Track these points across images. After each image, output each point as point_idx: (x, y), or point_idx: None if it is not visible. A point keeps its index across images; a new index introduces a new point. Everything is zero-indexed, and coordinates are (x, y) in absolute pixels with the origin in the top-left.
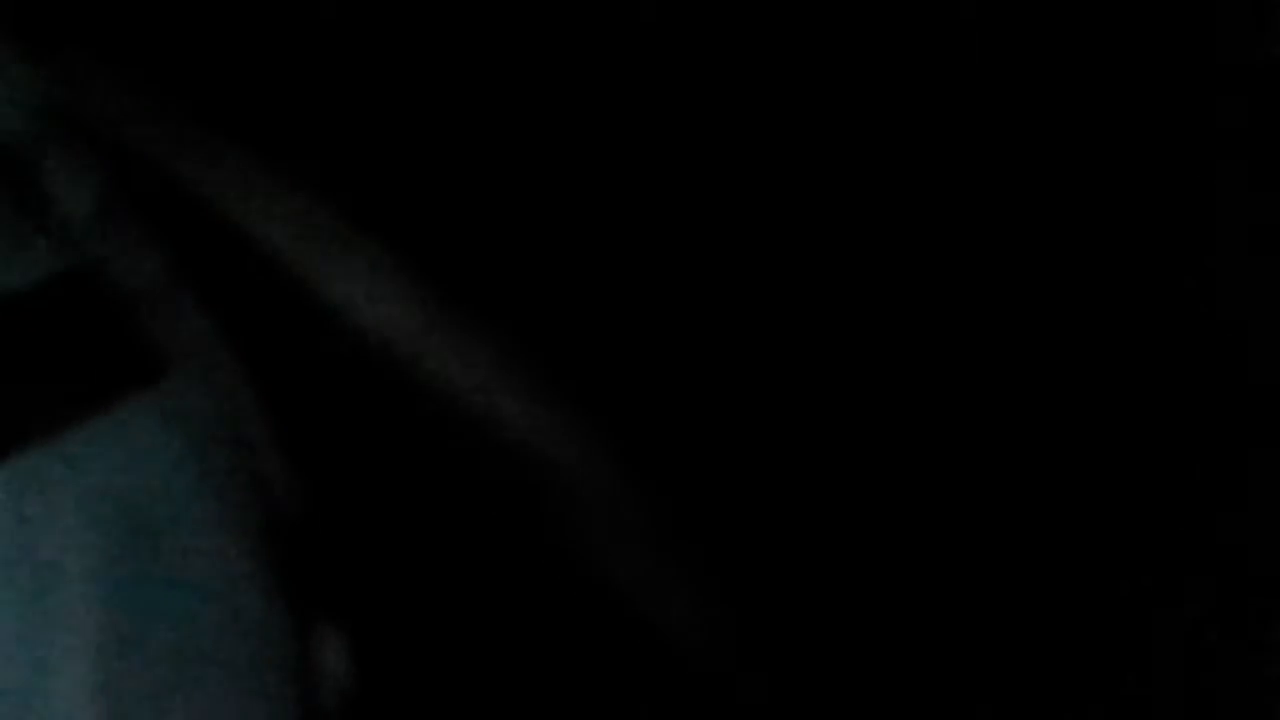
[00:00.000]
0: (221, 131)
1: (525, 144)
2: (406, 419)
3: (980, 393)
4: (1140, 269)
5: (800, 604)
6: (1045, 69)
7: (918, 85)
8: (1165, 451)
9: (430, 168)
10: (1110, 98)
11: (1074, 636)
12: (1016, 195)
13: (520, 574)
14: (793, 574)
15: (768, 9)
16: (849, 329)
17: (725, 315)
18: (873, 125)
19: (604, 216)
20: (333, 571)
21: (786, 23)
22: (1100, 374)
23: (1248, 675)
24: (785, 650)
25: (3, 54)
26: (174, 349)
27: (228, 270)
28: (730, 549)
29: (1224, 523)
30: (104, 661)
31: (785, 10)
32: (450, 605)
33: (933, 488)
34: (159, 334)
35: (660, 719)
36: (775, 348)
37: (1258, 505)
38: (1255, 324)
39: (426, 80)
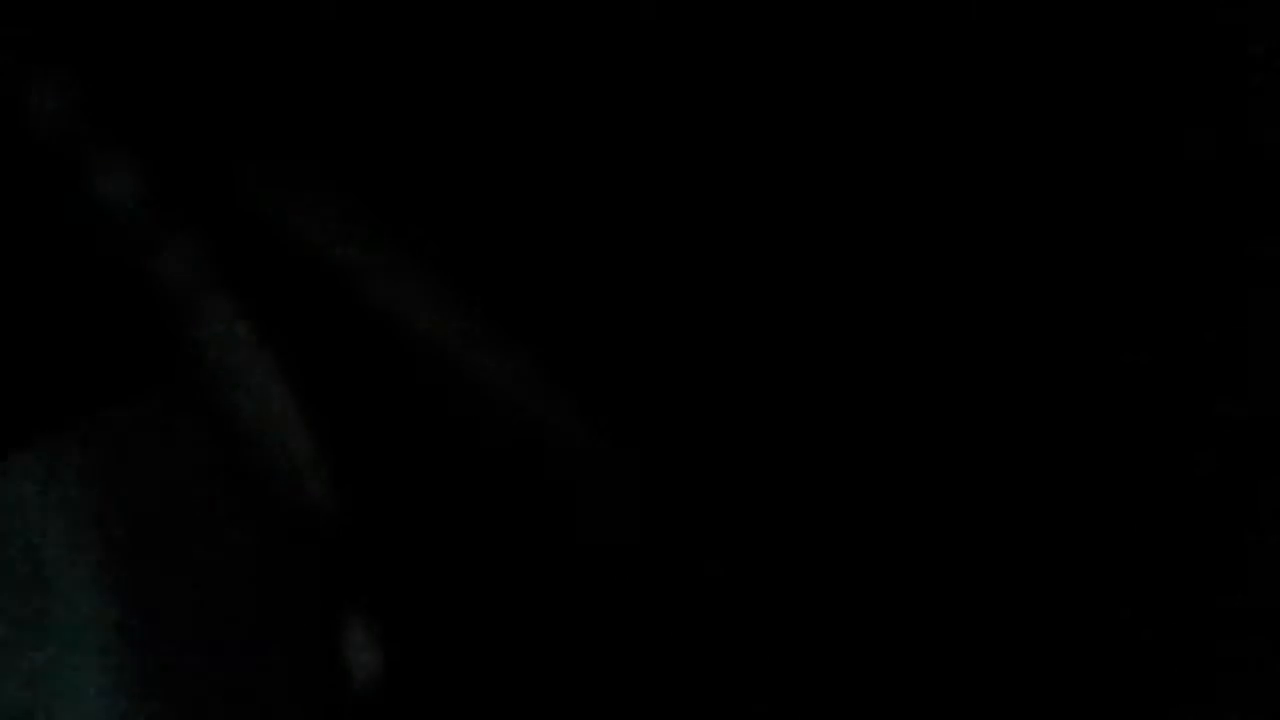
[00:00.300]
0: (257, 128)
1: (529, 142)
2: (439, 413)
3: (981, 392)
4: (1139, 269)
5: (804, 603)
6: (1045, 70)
7: (918, 85)
8: (1165, 451)
9: (440, 167)
10: (1109, 98)
11: (1073, 636)
12: (1016, 195)
13: (549, 567)
14: (796, 571)
15: (768, 9)
16: (849, 327)
17: (729, 314)
18: (873, 125)
19: (608, 215)
20: (365, 564)
21: (787, 23)
22: (1099, 374)
23: (1249, 676)
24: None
25: (46, 51)
26: (209, 343)
27: (267, 265)
28: (733, 548)
29: (1224, 526)
30: (117, 654)
31: (785, 10)
32: (481, 597)
33: (934, 486)
34: (193, 329)
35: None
36: (777, 347)
37: (1258, 505)
38: (1255, 323)
39: (430, 78)
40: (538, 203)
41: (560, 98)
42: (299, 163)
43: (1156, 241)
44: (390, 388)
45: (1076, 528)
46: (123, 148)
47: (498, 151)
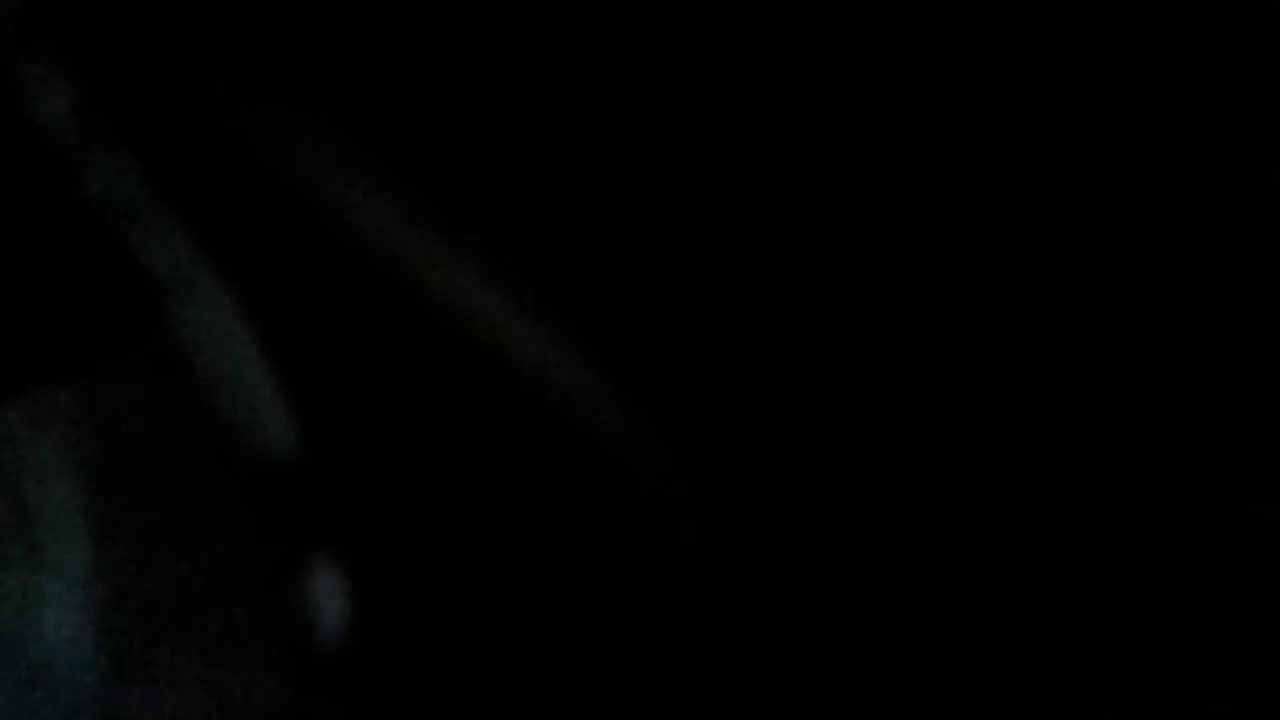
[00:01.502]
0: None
1: (530, 140)
2: (407, 355)
3: (982, 392)
4: (1139, 270)
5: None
6: (1045, 71)
7: (918, 86)
8: (1164, 451)
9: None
10: (1109, 100)
11: (1071, 636)
12: (1016, 196)
13: (518, 514)
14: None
15: (768, 9)
16: (851, 327)
17: (731, 313)
18: (875, 125)
19: (608, 214)
20: (330, 509)
21: (786, 22)
22: (1100, 375)
23: (1248, 677)
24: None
25: None
26: (156, 272)
27: (218, 188)
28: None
29: (1224, 522)
30: (92, 597)
31: (785, 10)
32: (447, 543)
33: (934, 484)
34: (143, 259)
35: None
36: (778, 345)
37: (1257, 506)
38: (1255, 325)
39: (431, 71)
40: (518, 201)
41: (545, 84)
42: (258, 77)
43: (1156, 242)
44: (355, 323)
45: (1075, 526)
46: (56, 60)
47: (474, 135)
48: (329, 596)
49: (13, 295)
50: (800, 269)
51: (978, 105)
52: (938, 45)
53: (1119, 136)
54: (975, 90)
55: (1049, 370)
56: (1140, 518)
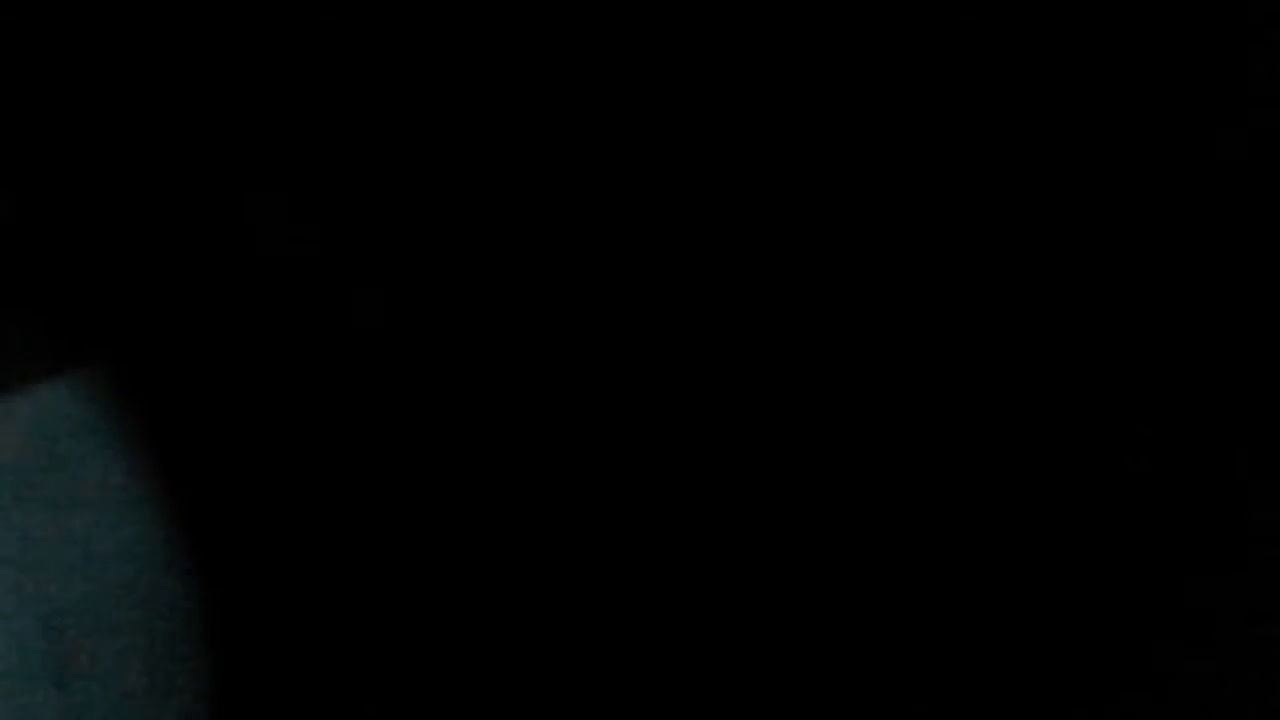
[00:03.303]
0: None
1: (526, 138)
2: (311, 388)
3: (979, 394)
4: (1139, 272)
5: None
6: (1046, 73)
7: (918, 88)
8: (1163, 452)
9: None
10: (1109, 102)
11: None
12: (1016, 196)
13: (417, 532)
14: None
15: (768, 9)
16: (847, 329)
17: (726, 314)
18: (873, 125)
19: (607, 215)
20: (229, 530)
21: (786, 23)
22: (1099, 376)
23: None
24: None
25: None
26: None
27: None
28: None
29: (1223, 522)
30: (25, 570)
31: (785, 10)
32: (341, 560)
33: (931, 488)
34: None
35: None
36: (775, 348)
37: (1257, 505)
38: (1254, 326)
39: (424, 74)
40: (515, 197)
41: (543, 84)
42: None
43: (1154, 243)
44: (267, 359)
45: (1070, 527)
46: None
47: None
48: (229, 613)
49: None
50: (792, 273)
51: (976, 106)
52: (936, 45)
53: (1117, 137)
54: (974, 90)
55: (1042, 372)
56: (1131, 517)
